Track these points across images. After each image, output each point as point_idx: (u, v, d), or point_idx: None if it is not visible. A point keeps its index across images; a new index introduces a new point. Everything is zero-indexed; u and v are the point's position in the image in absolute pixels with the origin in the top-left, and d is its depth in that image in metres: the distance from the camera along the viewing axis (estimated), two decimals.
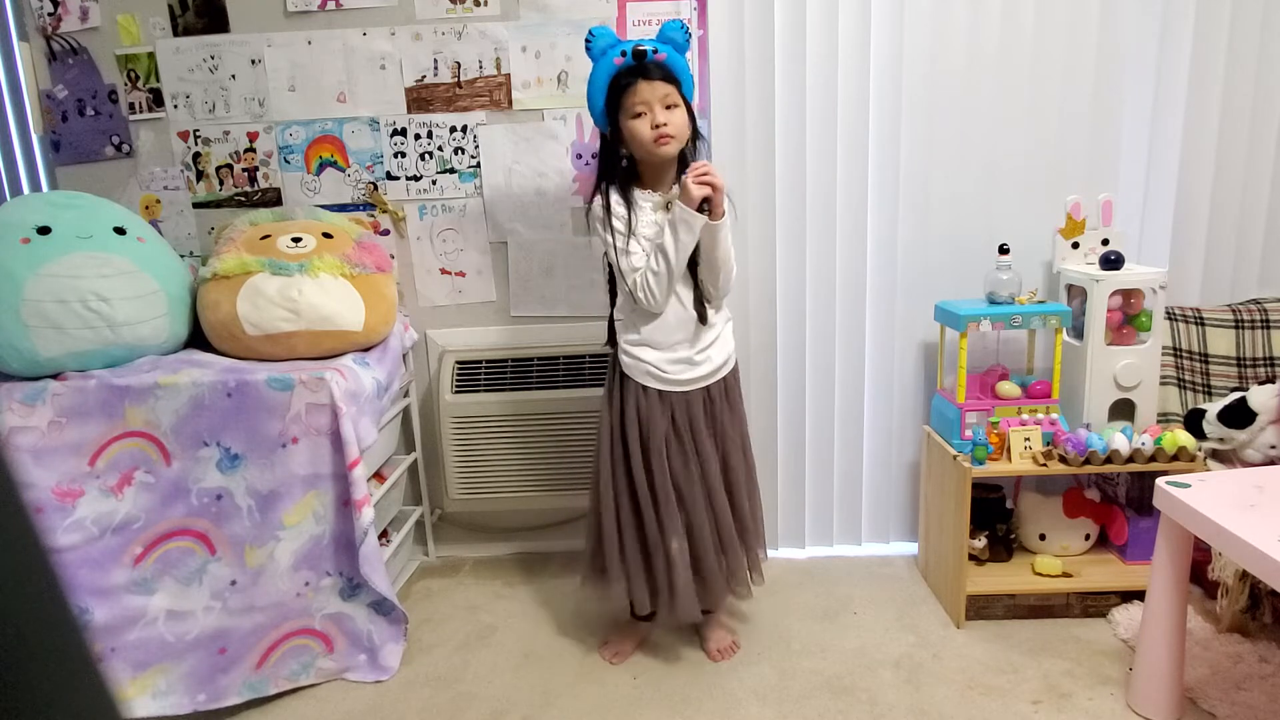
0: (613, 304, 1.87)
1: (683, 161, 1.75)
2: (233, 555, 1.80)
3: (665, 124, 1.65)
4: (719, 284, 1.76)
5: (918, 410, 2.35)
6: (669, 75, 1.68)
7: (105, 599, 1.73)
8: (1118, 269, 2.02)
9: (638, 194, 1.74)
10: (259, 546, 1.80)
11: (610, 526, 1.84)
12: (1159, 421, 2.08)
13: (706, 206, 1.65)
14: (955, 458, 2.00)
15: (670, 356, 1.77)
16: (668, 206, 1.71)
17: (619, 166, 1.76)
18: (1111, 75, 2.15)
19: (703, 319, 1.77)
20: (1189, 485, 1.57)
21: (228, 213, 2.29)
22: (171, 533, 1.78)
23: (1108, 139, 2.19)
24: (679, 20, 1.72)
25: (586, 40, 1.71)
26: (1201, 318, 2.18)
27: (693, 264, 1.74)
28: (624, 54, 1.67)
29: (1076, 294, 2.11)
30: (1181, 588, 1.59)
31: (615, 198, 1.74)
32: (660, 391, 1.78)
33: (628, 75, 1.66)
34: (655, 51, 1.67)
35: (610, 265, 1.80)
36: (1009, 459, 1.99)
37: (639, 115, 1.67)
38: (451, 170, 2.28)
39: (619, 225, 1.72)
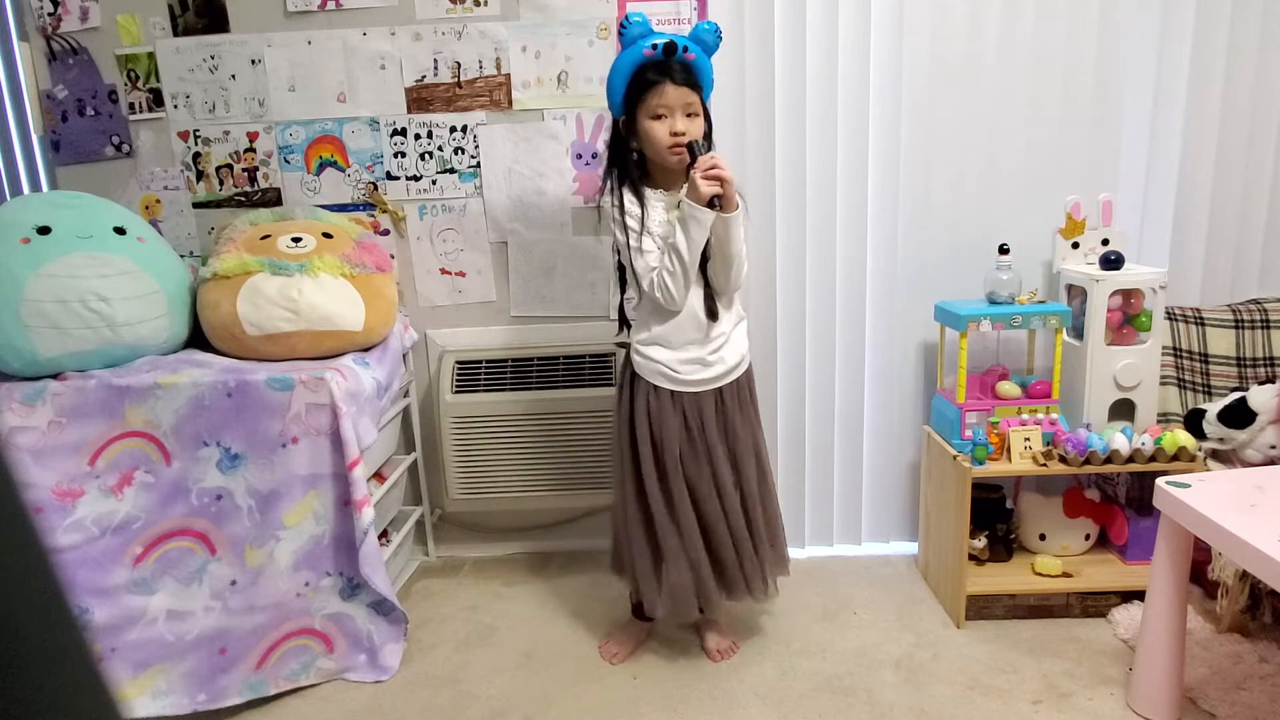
0: (622, 294, 1.89)
1: (692, 157, 1.74)
2: (233, 555, 1.80)
3: (684, 133, 1.64)
4: (730, 278, 1.71)
5: (918, 410, 2.35)
6: (693, 79, 1.67)
7: (105, 599, 1.73)
8: (1118, 269, 2.02)
9: (648, 192, 1.73)
10: (259, 546, 1.80)
11: (622, 526, 1.87)
12: (1159, 421, 2.08)
13: (718, 201, 1.62)
14: (955, 458, 2.00)
15: (682, 356, 1.75)
16: (679, 205, 1.69)
17: (629, 160, 1.75)
18: (1111, 75, 2.15)
19: (713, 315, 1.74)
20: (1189, 485, 1.57)
21: (228, 213, 2.29)
22: (171, 533, 1.78)
23: (1108, 139, 2.19)
24: (713, 22, 1.70)
25: (621, 25, 1.67)
26: (1201, 318, 2.18)
27: (702, 260, 1.72)
28: (655, 46, 1.64)
29: (1076, 294, 2.11)
30: (1181, 588, 1.59)
31: (629, 195, 1.72)
32: (672, 392, 1.77)
33: (655, 72, 1.64)
34: (685, 50, 1.65)
35: (619, 257, 1.80)
36: (1009, 459, 1.99)
37: (659, 117, 1.65)
38: (451, 170, 2.28)
39: (632, 224, 1.72)
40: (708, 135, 1.76)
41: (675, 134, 1.64)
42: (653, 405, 1.77)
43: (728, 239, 1.67)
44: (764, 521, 1.86)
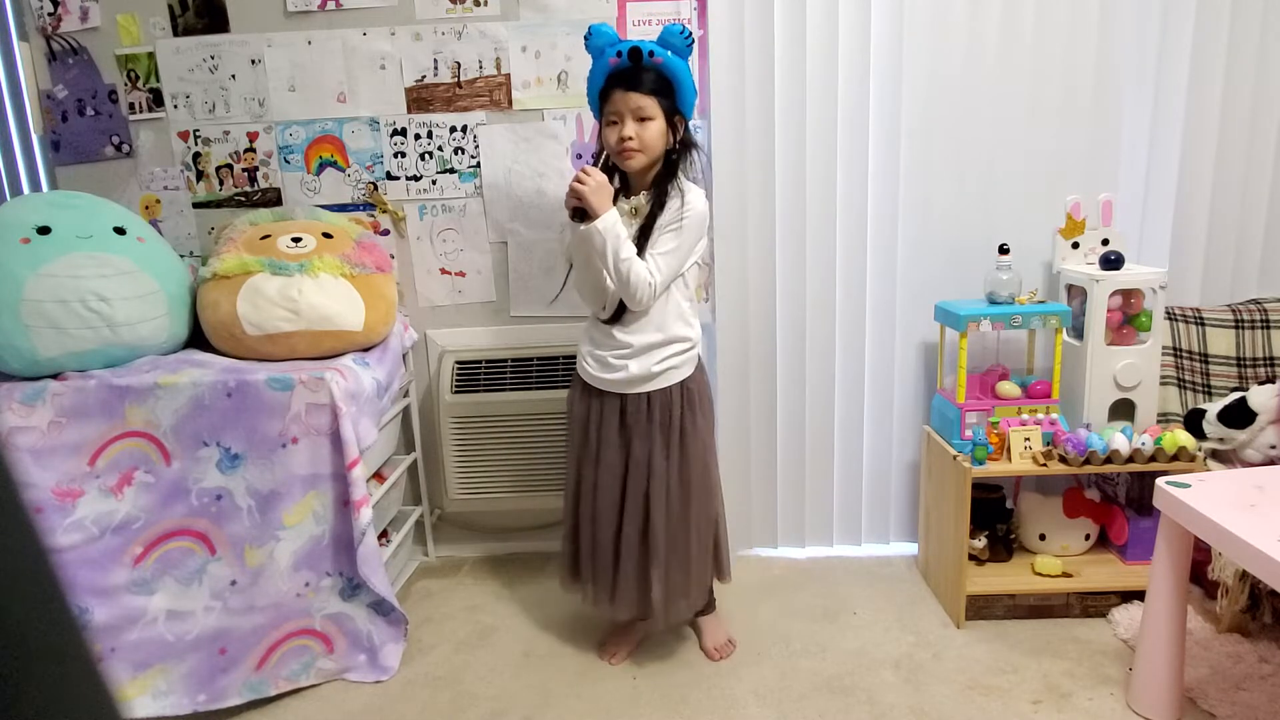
0: None
1: (673, 170, 1.74)
2: (233, 555, 1.79)
3: (629, 138, 1.66)
4: (619, 290, 1.69)
5: (918, 410, 2.35)
6: (659, 83, 1.67)
7: (105, 599, 1.73)
8: (1118, 269, 2.02)
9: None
10: (259, 546, 1.80)
11: (567, 515, 1.94)
12: (1159, 421, 2.08)
13: (582, 214, 1.64)
14: (955, 458, 2.00)
15: (594, 351, 1.81)
16: (634, 212, 1.73)
17: (606, 164, 1.77)
18: (1111, 75, 2.15)
19: (611, 320, 1.76)
20: (1189, 485, 1.57)
21: (228, 213, 2.29)
22: (171, 533, 1.78)
23: (1108, 139, 2.19)
24: (681, 24, 1.71)
25: (585, 36, 1.72)
26: (1201, 318, 2.18)
27: None
28: (619, 54, 1.67)
29: (1076, 294, 2.11)
30: (1181, 588, 1.59)
31: None
32: (584, 384, 1.84)
33: (613, 80, 1.68)
34: (651, 54, 1.66)
35: None
36: (1009, 459, 1.99)
37: (612, 123, 1.69)
38: (451, 170, 2.28)
39: None
40: (687, 143, 1.77)
41: (623, 139, 1.67)
42: (576, 393, 1.87)
43: (591, 251, 1.67)
44: (637, 557, 1.80)
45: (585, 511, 1.85)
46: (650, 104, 1.67)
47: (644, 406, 1.77)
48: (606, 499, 1.81)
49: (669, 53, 1.68)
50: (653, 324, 1.75)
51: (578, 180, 1.63)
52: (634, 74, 1.66)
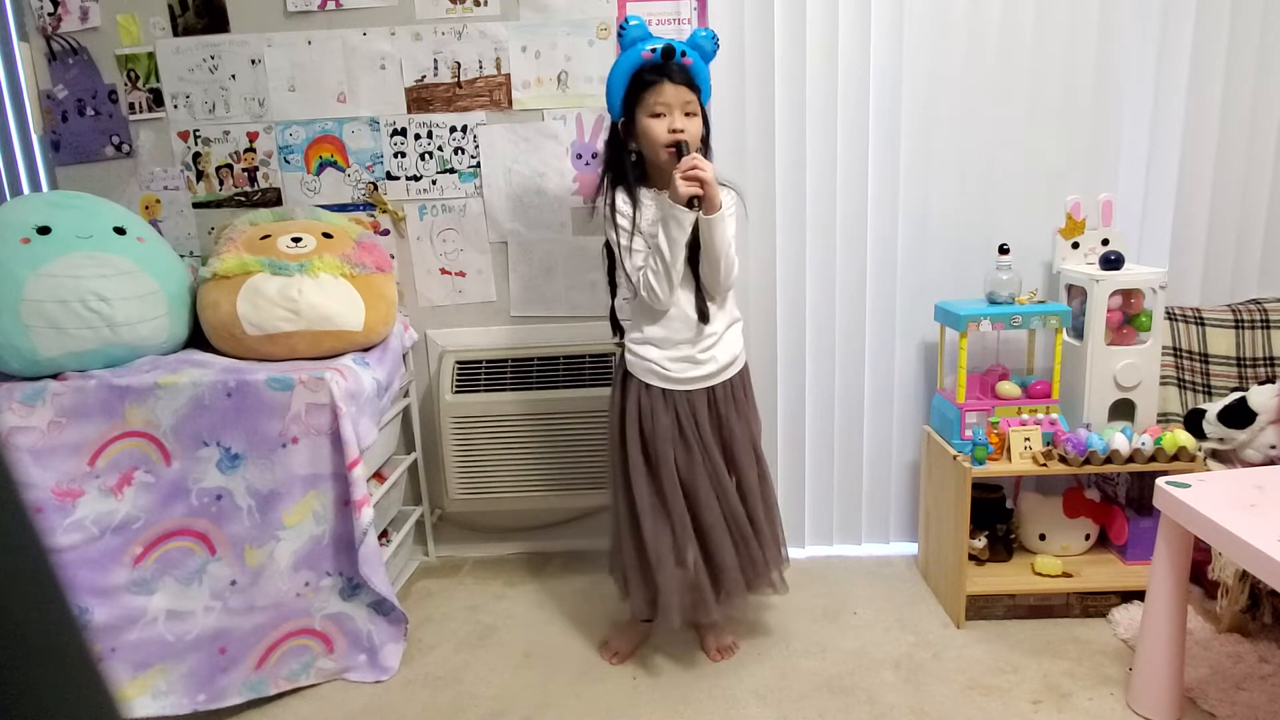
0: (612, 296, 1.91)
1: (679, 157, 1.75)
2: (233, 555, 1.80)
3: (682, 130, 1.66)
4: (719, 278, 1.73)
5: (918, 410, 2.35)
6: (690, 82, 1.69)
7: (105, 599, 1.73)
8: (1118, 269, 2.02)
9: (643, 192, 1.75)
10: (259, 546, 1.80)
11: (620, 529, 1.87)
12: (1159, 421, 2.08)
13: (698, 202, 1.63)
14: (955, 458, 2.00)
15: (673, 355, 1.77)
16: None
17: (627, 160, 1.77)
18: (1111, 75, 2.15)
19: (704, 318, 1.75)
20: (1189, 485, 1.57)
21: (228, 213, 2.29)
22: (171, 533, 1.78)
23: (1108, 139, 2.19)
24: (710, 30, 1.74)
25: (620, 26, 1.72)
26: (1201, 318, 2.18)
27: (695, 261, 1.74)
28: (653, 50, 1.68)
29: (1076, 294, 2.11)
30: (1181, 588, 1.59)
31: (621, 196, 1.76)
32: (664, 390, 1.78)
33: (653, 73, 1.67)
34: (684, 55, 1.68)
35: (610, 258, 1.84)
36: (1009, 459, 1.99)
37: (658, 115, 1.68)
38: (451, 170, 2.28)
39: (623, 223, 1.74)
40: (705, 139, 1.78)
41: (674, 130, 1.66)
42: (644, 403, 1.79)
43: (710, 240, 1.68)
44: (765, 519, 1.86)
45: (711, 514, 1.77)
46: (695, 100, 1.70)
47: (729, 391, 1.81)
48: (731, 498, 1.79)
49: (697, 56, 1.71)
50: (725, 308, 1.81)
51: (698, 168, 1.61)
52: (670, 68, 1.68)
